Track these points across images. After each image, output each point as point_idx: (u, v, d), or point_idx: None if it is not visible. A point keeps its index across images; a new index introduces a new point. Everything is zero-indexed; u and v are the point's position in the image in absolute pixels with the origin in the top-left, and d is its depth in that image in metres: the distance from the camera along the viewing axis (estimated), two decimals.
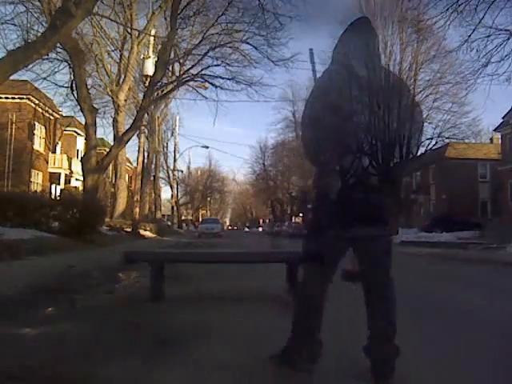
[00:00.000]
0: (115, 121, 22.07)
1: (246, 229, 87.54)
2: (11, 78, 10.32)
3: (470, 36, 14.00)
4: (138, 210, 28.38)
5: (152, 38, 22.18)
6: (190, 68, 24.75)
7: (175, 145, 43.47)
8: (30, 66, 14.65)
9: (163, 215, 51.34)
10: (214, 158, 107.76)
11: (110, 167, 27.71)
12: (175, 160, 44.09)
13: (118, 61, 23.25)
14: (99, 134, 26.90)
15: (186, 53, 24.70)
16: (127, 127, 20.29)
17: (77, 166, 31.06)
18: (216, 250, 7.61)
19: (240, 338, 3.30)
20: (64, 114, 31.32)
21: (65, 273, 6.53)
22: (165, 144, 45.67)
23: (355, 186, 2.30)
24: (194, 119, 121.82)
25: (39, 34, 11.69)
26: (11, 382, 2.24)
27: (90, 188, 16.61)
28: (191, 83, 25.78)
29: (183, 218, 58.88)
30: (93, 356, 2.71)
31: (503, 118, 33.24)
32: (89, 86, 18.47)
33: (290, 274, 4.92)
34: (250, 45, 22.64)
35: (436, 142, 32.94)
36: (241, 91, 23.59)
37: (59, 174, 33.33)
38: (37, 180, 29.88)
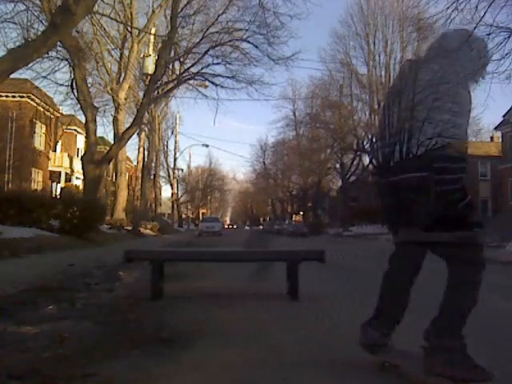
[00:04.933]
0: (115, 119, 22.06)
1: (247, 227, 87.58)
2: (11, 76, 10.31)
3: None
4: (138, 208, 28.39)
5: (152, 37, 22.18)
6: (191, 66, 24.75)
7: (175, 143, 43.50)
8: (31, 64, 14.65)
9: (163, 214, 51.35)
10: (214, 157, 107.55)
11: (111, 166, 27.69)
12: (175, 158, 44.12)
13: (119, 59, 23.24)
14: (99, 132, 26.91)
15: (186, 51, 24.69)
16: (127, 126, 20.30)
17: (77, 165, 31.09)
18: (216, 249, 7.63)
19: (240, 337, 3.31)
20: (64, 113, 31.33)
21: (65, 271, 6.55)
22: (165, 142, 45.73)
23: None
24: (194, 118, 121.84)
25: (39, 33, 11.69)
26: (12, 381, 2.25)
27: (90, 186, 16.64)
28: (191, 82, 25.80)
29: (183, 216, 58.91)
30: (93, 354, 2.72)
31: (503, 116, 33.23)
32: (89, 85, 18.49)
33: (290, 273, 4.93)
34: (251, 43, 22.66)
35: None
36: (241, 90, 23.60)
37: (60, 172, 33.35)
38: (37, 178, 29.90)
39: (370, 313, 2.63)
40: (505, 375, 2.53)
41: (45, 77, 19.43)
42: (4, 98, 26.78)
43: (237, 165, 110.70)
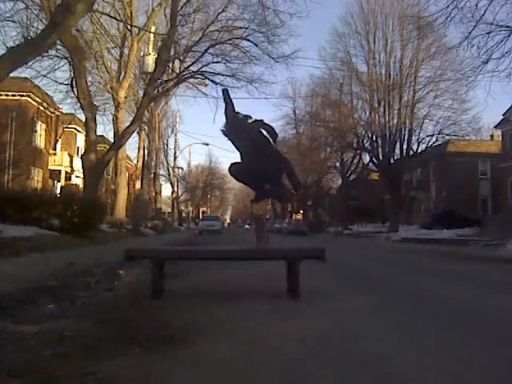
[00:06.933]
0: (115, 118, 22.06)
1: (247, 226, 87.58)
2: (11, 75, 10.30)
3: (470, 33, 13.99)
4: (138, 207, 28.40)
5: (152, 35, 22.16)
6: (190, 65, 24.75)
7: (175, 142, 43.53)
8: (30, 63, 14.65)
9: (164, 213, 51.37)
10: (214, 155, 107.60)
11: (111, 164, 27.69)
12: (175, 157, 44.14)
13: (118, 58, 23.23)
14: (99, 131, 26.87)
15: (186, 50, 24.69)
16: (127, 124, 20.30)
17: (77, 163, 31.09)
18: (216, 248, 7.62)
19: (240, 335, 3.31)
20: (64, 112, 31.33)
21: (65, 270, 6.54)
22: (165, 141, 45.78)
23: None
24: (194, 116, 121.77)
25: (39, 31, 11.68)
26: (12, 379, 2.25)
27: (90, 185, 16.65)
28: (191, 80, 25.79)
29: (183, 215, 58.94)
30: (93, 353, 2.72)
31: (504, 114, 33.23)
32: (89, 84, 18.48)
33: (290, 271, 4.93)
34: (250, 42, 22.65)
35: (436, 139, 32.99)
36: (241, 88, 23.59)
37: (60, 171, 33.35)
38: (37, 177, 29.89)
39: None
40: (507, 374, 2.53)
41: (44, 75, 19.48)
42: (4, 97, 26.75)
43: None
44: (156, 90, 22.86)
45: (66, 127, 33.94)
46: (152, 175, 35.93)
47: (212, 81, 23.88)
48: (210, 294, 5.26)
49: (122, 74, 22.10)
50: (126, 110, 24.16)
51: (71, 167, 34.55)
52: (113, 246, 11.94)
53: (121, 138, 19.25)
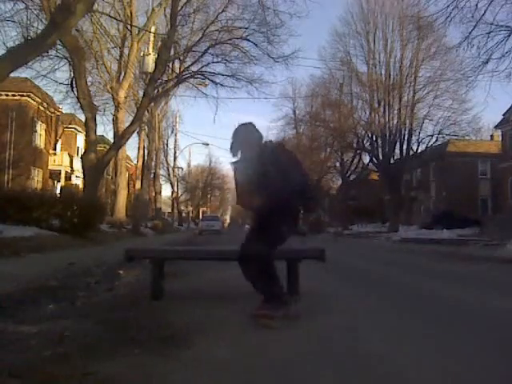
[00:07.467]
0: (115, 118, 22.07)
1: (247, 226, 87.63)
2: (11, 75, 10.30)
3: (470, 33, 13.99)
4: (138, 207, 28.40)
5: (152, 36, 22.17)
6: (190, 65, 24.76)
7: (175, 142, 43.56)
8: (30, 63, 14.65)
9: (164, 213, 51.38)
10: (214, 155, 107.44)
11: (111, 165, 27.70)
12: (175, 157, 44.16)
13: (118, 58, 23.25)
14: (99, 131, 26.88)
15: (186, 50, 24.69)
16: (127, 124, 20.30)
17: (77, 164, 31.11)
18: (216, 248, 7.62)
19: (240, 336, 3.31)
20: (64, 112, 31.36)
21: (65, 270, 6.54)
22: (165, 141, 45.81)
23: None
24: (194, 116, 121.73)
25: (39, 32, 11.68)
26: (12, 380, 2.25)
27: (90, 185, 16.65)
28: (191, 80, 25.80)
29: (183, 215, 58.96)
30: (93, 353, 2.71)
31: (504, 115, 33.25)
32: (89, 84, 18.49)
33: (290, 271, 4.92)
34: (250, 42, 22.66)
35: (436, 139, 33.02)
36: (241, 88, 23.61)
37: (59, 171, 33.36)
38: (37, 177, 29.90)
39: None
40: (507, 374, 2.53)
41: (45, 76, 19.50)
42: (4, 97, 26.77)
43: None
44: (156, 90, 22.86)
45: (66, 127, 33.95)
46: (152, 175, 35.94)
47: (212, 81, 23.90)
48: (210, 294, 5.26)
49: (122, 74, 22.10)
50: (126, 110, 24.17)
51: (71, 167, 34.56)
52: (113, 246, 11.94)
53: (121, 138, 19.25)
